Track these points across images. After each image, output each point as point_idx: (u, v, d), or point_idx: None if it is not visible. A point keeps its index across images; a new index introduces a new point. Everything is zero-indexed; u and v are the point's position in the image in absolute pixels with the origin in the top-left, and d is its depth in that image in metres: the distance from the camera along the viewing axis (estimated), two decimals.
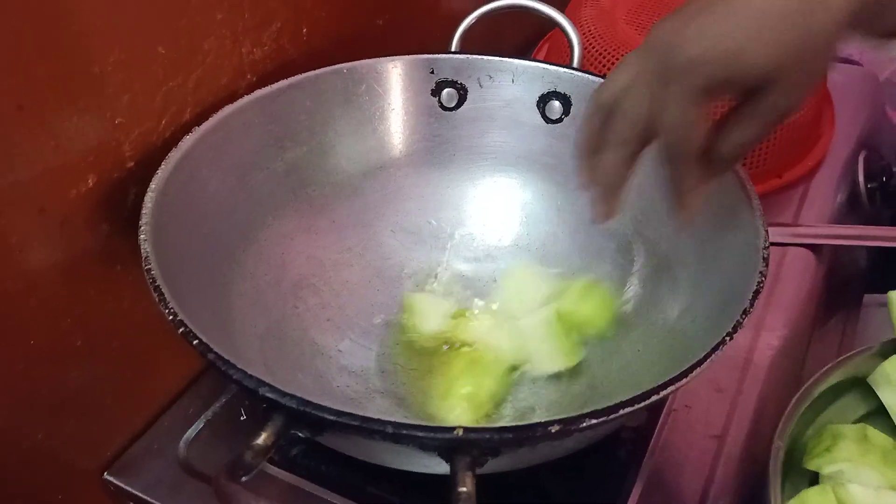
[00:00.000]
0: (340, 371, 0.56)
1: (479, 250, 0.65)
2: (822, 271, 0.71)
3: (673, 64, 0.38)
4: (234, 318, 0.53)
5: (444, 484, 0.37)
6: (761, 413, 0.58)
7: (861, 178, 0.81)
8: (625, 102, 0.41)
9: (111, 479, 0.55)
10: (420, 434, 0.35)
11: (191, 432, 0.57)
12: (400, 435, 0.35)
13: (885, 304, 0.55)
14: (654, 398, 0.37)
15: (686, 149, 0.40)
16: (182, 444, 0.57)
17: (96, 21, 0.46)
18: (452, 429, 0.35)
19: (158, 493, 0.54)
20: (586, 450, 0.46)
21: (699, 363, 0.38)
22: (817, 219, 0.75)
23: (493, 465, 0.39)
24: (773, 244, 0.71)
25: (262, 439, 0.36)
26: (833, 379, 0.51)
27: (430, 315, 0.58)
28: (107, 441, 0.56)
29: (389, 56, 0.63)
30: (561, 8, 0.67)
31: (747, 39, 0.36)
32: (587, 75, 0.61)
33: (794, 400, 0.48)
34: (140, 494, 0.54)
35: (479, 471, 0.38)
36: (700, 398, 0.58)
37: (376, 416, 0.36)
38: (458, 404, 0.48)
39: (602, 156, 0.43)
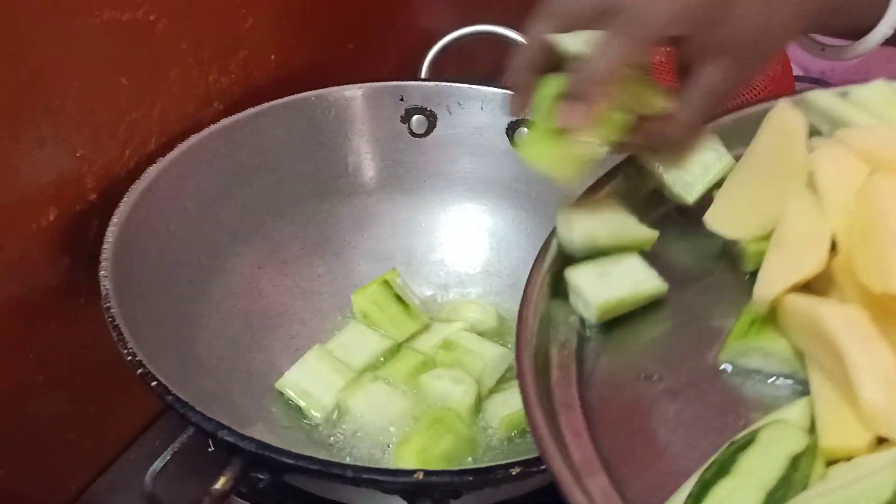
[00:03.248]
0: None
1: (450, 277, 0.65)
2: None
3: None
4: (199, 351, 0.52)
5: None
6: None
7: None
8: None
9: None
10: (380, 478, 0.35)
11: (157, 465, 0.56)
12: (360, 479, 0.35)
13: None
14: None
15: (641, 26, 0.36)
16: (148, 477, 0.55)
17: (55, 54, 0.46)
18: (412, 472, 0.35)
19: None
20: None
21: None
22: None
23: None
24: None
25: (220, 484, 0.36)
26: None
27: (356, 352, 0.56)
28: (71, 476, 0.55)
29: (359, 82, 0.63)
30: None
31: (726, 4, 0.37)
32: None
33: None
34: None
35: None
36: None
37: (339, 459, 0.35)
38: (408, 459, 0.47)
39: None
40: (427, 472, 0.35)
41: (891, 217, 0.31)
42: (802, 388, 0.32)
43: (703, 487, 0.28)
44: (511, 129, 0.63)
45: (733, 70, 0.38)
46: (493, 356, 0.54)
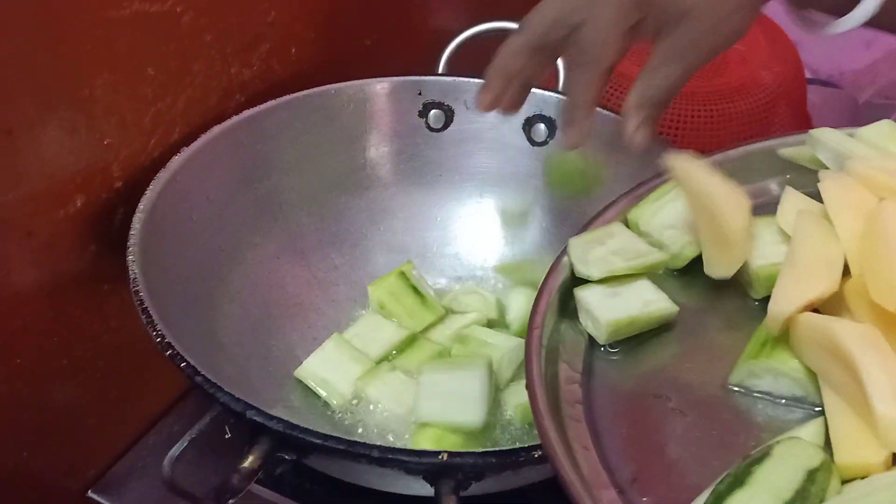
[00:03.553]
0: None
1: (465, 269, 0.65)
2: None
3: None
4: (220, 338, 0.53)
5: None
6: None
7: None
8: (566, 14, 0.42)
9: (95, 497, 0.55)
10: (405, 458, 0.36)
11: (175, 451, 0.57)
12: (385, 459, 0.36)
13: None
14: None
15: (592, 57, 0.40)
16: (167, 462, 0.57)
17: (85, 45, 0.47)
18: (437, 453, 0.36)
19: None
20: None
21: None
22: None
23: (478, 488, 0.40)
24: None
25: (248, 462, 0.37)
26: None
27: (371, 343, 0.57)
28: (91, 460, 0.56)
29: (377, 77, 0.64)
30: None
31: None
32: None
33: None
34: None
35: (464, 493, 0.38)
36: None
37: (362, 441, 0.36)
38: (426, 446, 0.47)
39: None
40: (451, 454, 0.36)
41: None
42: (813, 412, 0.32)
43: (717, 499, 0.28)
44: (527, 125, 0.63)
45: (695, 31, 0.40)
46: (510, 347, 0.54)
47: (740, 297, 0.38)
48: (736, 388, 0.34)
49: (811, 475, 0.28)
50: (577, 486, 0.28)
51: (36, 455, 0.52)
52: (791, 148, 0.43)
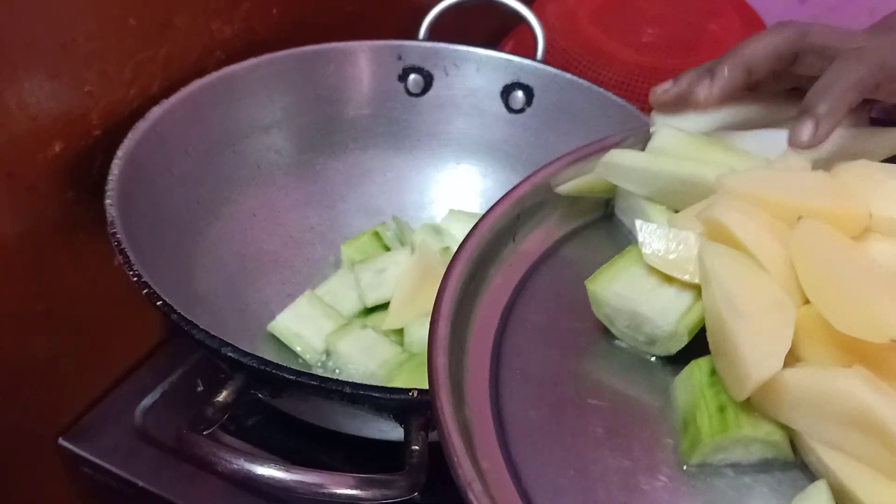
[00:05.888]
0: None
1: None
2: None
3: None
4: (196, 288, 0.54)
5: (394, 454, 0.38)
6: None
7: None
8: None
9: (66, 444, 0.56)
10: (377, 395, 0.37)
11: (147, 401, 0.58)
12: (357, 395, 0.37)
13: None
14: None
15: (847, 83, 0.37)
16: (138, 412, 0.57)
17: None
18: (408, 390, 0.37)
19: (113, 459, 0.54)
20: None
21: None
22: None
23: None
24: None
25: (222, 397, 0.37)
26: None
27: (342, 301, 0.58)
28: (63, 407, 0.57)
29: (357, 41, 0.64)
30: (527, 4, 0.70)
31: None
32: (550, 68, 0.63)
33: None
34: (94, 460, 0.54)
35: (432, 436, 0.39)
36: None
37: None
38: None
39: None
40: (421, 391, 0.37)
41: (859, 264, 0.30)
42: (786, 469, 0.29)
43: None
44: (505, 93, 0.65)
45: None
46: None
47: (627, 356, 0.33)
48: (696, 468, 0.29)
49: None
50: None
51: (9, 400, 0.52)
52: (569, 183, 0.40)
